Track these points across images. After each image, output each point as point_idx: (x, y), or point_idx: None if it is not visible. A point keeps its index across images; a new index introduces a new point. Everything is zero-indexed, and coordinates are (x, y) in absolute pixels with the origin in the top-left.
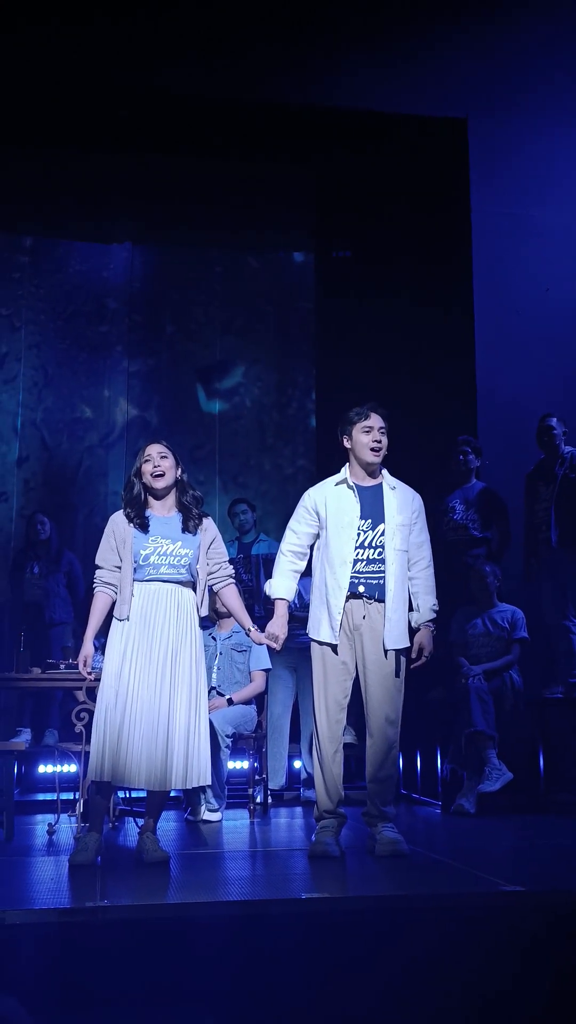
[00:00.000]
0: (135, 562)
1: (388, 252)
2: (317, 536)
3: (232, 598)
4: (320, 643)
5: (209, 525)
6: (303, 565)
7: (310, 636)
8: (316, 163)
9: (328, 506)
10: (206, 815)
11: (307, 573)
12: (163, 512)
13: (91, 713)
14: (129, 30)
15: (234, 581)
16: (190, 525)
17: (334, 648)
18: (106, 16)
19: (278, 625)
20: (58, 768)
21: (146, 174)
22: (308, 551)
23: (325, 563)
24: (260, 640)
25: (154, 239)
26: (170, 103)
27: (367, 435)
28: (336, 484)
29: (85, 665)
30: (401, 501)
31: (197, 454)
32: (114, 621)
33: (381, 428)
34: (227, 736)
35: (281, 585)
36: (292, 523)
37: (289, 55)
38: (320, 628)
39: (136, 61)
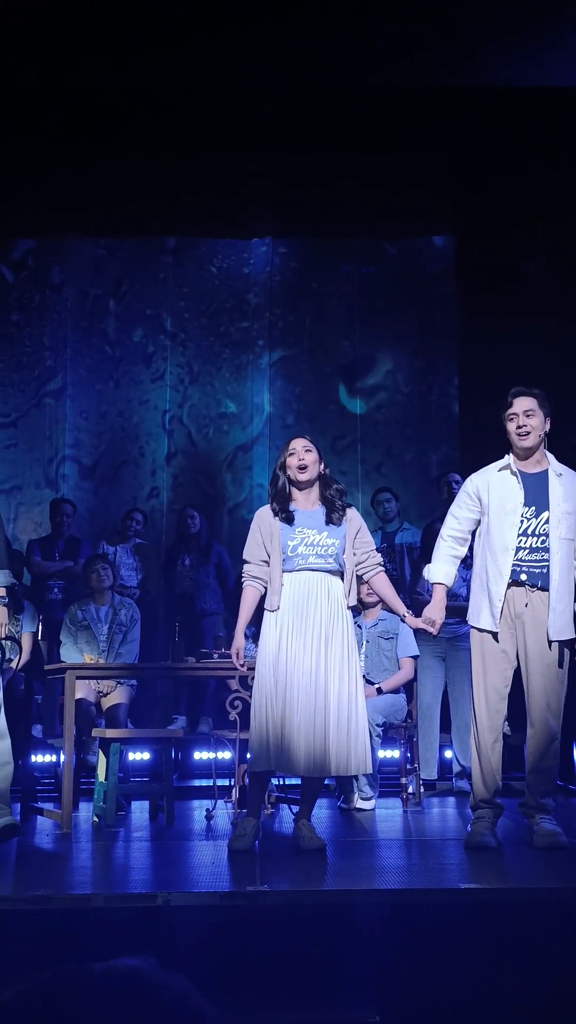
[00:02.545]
0: (283, 554)
1: (530, 232)
2: (478, 522)
3: (383, 585)
4: (480, 630)
5: (353, 515)
6: (463, 551)
7: (470, 623)
8: (453, 145)
9: (491, 492)
10: (359, 803)
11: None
12: (307, 506)
13: (244, 702)
14: (262, 26)
15: (383, 569)
16: (334, 517)
17: (495, 636)
18: (238, 14)
19: (436, 610)
20: (214, 755)
21: (282, 168)
22: (469, 537)
23: (487, 550)
24: (415, 625)
25: (293, 232)
26: (303, 96)
27: (512, 422)
28: (499, 470)
29: (238, 657)
30: (568, 488)
31: (339, 444)
32: (266, 612)
33: (527, 411)
34: (377, 725)
35: (440, 570)
36: (453, 508)
37: (422, 37)
38: (480, 615)
39: (272, 57)
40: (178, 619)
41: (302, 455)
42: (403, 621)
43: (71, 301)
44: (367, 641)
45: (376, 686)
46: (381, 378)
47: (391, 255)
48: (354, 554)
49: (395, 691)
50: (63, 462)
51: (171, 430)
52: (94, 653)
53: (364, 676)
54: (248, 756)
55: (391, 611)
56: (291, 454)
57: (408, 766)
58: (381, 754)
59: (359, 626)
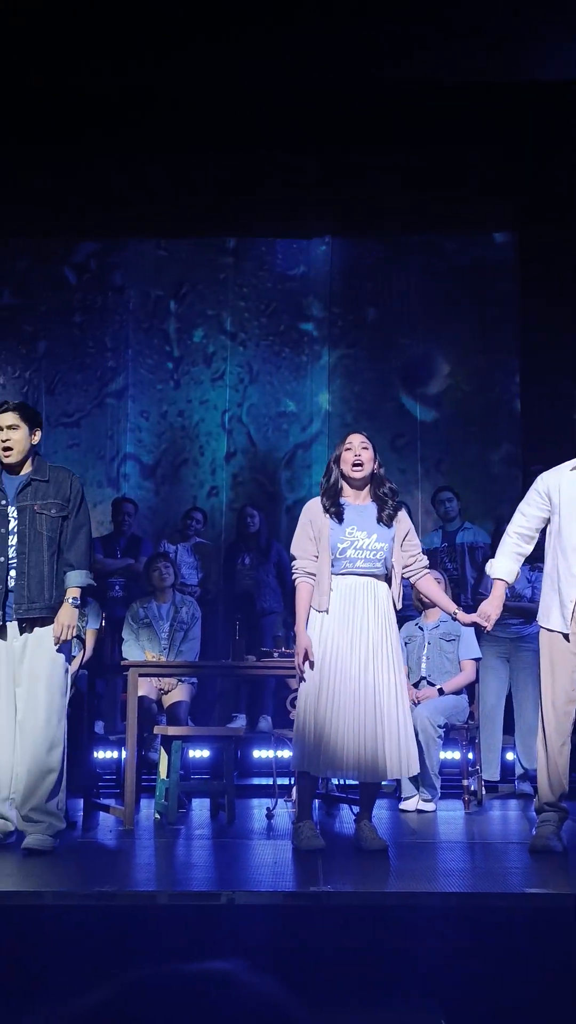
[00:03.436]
0: (332, 555)
1: None
2: (547, 521)
3: (431, 586)
4: (550, 631)
5: (403, 517)
6: (529, 549)
7: (539, 624)
8: (514, 140)
9: (562, 491)
10: (421, 805)
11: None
12: (358, 501)
13: None
14: (322, 22)
15: (430, 571)
16: (384, 516)
17: (565, 637)
18: (298, 8)
19: (492, 605)
20: (274, 753)
21: (341, 166)
22: (536, 535)
23: (557, 549)
24: (468, 620)
25: (352, 231)
26: (362, 93)
27: None
28: (572, 469)
29: (307, 656)
30: None
31: (398, 442)
32: (312, 611)
33: None
34: (439, 726)
35: (502, 566)
36: (522, 506)
37: (481, 32)
38: (550, 616)
39: (332, 53)
40: (238, 617)
41: (358, 451)
42: (454, 618)
43: (133, 302)
44: (428, 643)
45: (438, 687)
46: (441, 376)
47: (451, 252)
48: (402, 556)
49: (457, 692)
50: (124, 461)
51: (231, 429)
52: (155, 651)
53: (425, 677)
54: (295, 757)
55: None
56: (347, 449)
57: (470, 768)
58: (442, 756)
59: (420, 628)
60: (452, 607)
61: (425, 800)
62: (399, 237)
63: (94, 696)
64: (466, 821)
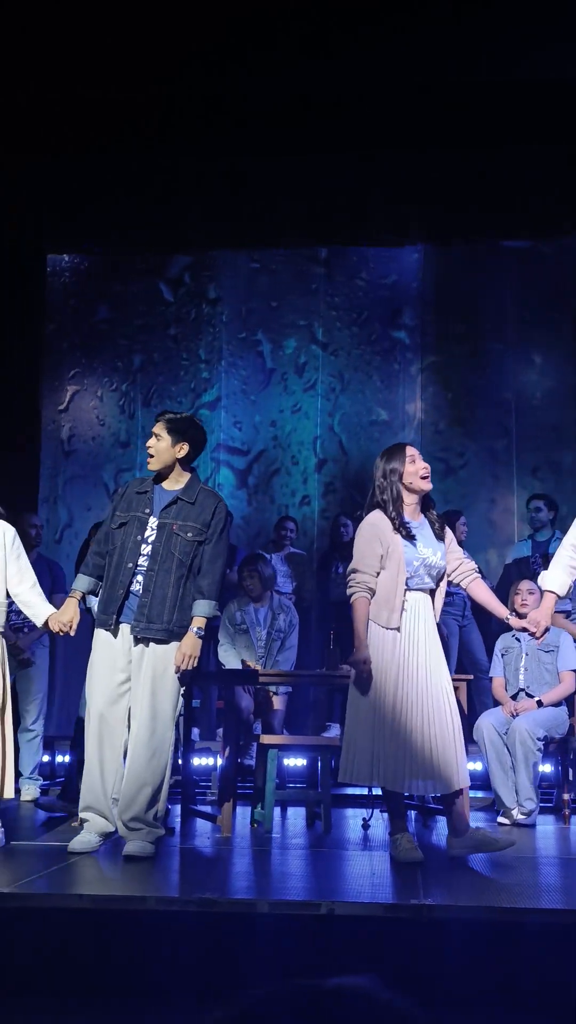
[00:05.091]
0: (406, 572)
1: None
2: None
3: (481, 590)
4: None
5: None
6: None
7: None
8: None
9: None
10: (519, 818)
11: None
12: (415, 517)
13: None
14: (416, 25)
15: (480, 575)
16: (436, 529)
17: None
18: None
19: (542, 613)
20: None
21: (432, 173)
22: None
23: None
24: (518, 626)
25: (444, 238)
26: (452, 98)
27: None
28: None
29: (367, 664)
30: None
31: (493, 448)
32: (380, 628)
33: None
34: (538, 739)
35: (555, 578)
36: None
37: (571, 31)
38: None
39: (424, 58)
40: (332, 627)
41: (422, 463)
42: (506, 622)
43: (226, 314)
44: (526, 654)
45: (536, 700)
46: (537, 382)
47: (546, 257)
48: (450, 562)
49: (556, 704)
50: (218, 471)
51: (322, 438)
52: (251, 658)
53: (524, 689)
54: (346, 769)
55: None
56: (412, 461)
57: (569, 781)
58: (541, 768)
59: (518, 639)
60: (504, 612)
61: (524, 813)
62: (492, 243)
63: (191, 702)
64: (563, 835)
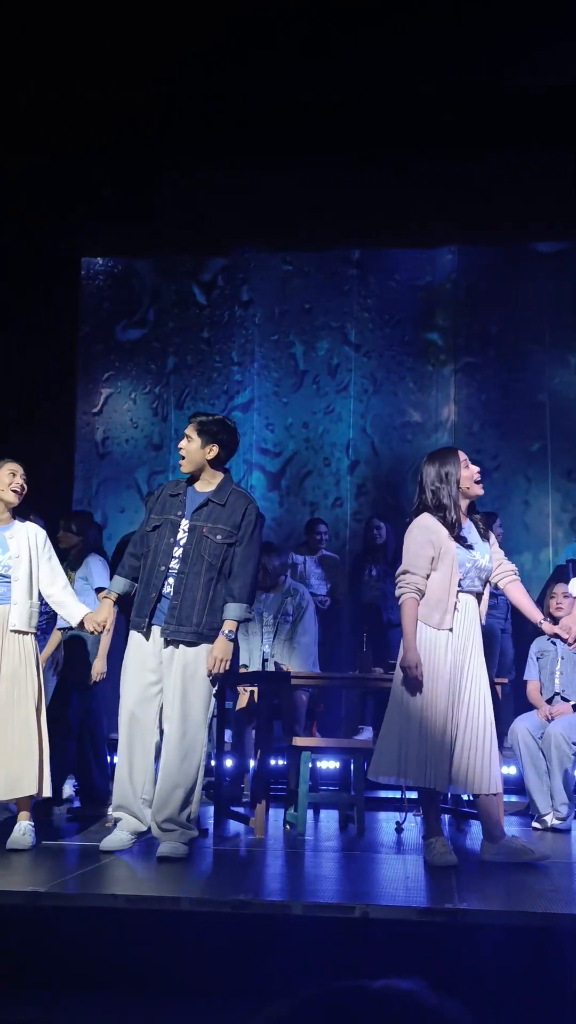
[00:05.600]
0: (459, 575)
1: None
2: None
3: (518, 592)
4: None
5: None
6: None
7: None
8: None
9: None
10: (554, 822)
11: None
12: (464, 521)
13: None
14: (436, 26)
15: (518, 577)
16: (480, 530)
17: None
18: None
19: (574, 618)
20: None
21: (465, 174)
22: None
23: None
24: (551, 631)
25: (477, 239)
26: (482, 99)
27: None
28: None
29: (418, 668)
30: None
31: (528, 450)
32: (428, 628)
33: None
34: (573, 743)
35: None
36: None
37: None
38: None
39: (451, 59)
40: (365, 629)
41: (474, 467)
42: (539, 626)
43: (259, 316)
44: (562, 658)
45: (572, 703)
46: (572, 383)
47: None
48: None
49: None
50: (250, 473)
51: (355, 440)
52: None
53: (559, 693)
54: (384, 766)
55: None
56: (466, 466)
57: None
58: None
59: (553, 642)
60: (538, 616)
61: (559, 818)
62: (527, 244)
63: (223, 704)
64: None
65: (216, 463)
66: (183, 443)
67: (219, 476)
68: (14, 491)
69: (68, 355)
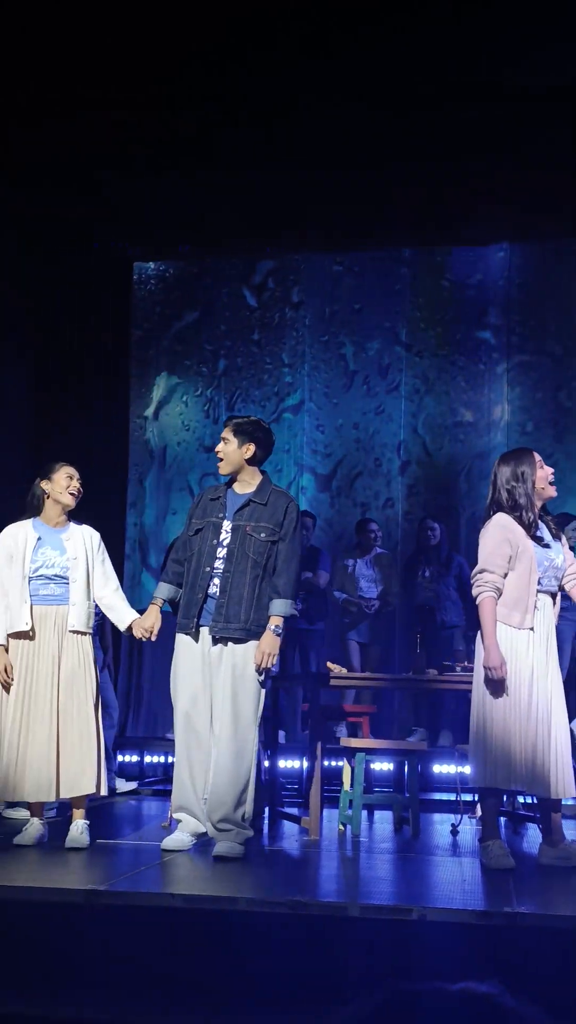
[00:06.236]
0: (538, 574)
1: None
2: None
3: None
4: None
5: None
6: None
7: None
8: None
9: None
10: None
11: None
12: (538, 522)
13: None
14: (479, 27)
15: None
16: (552, 531)
17: None
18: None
19: None
20: (455, 768)
21: (516, 171)
22: None
23: None
24: None
25: (530, 237)
26: (533, 96)
27: None
28: None
29: (502, 669)
30: None
31: None
32: (508, 628)
33: None
34: None
35: None
36: None
37: None
38: None
39: (494, 57)
40: (419, 631)
41: (549, 469)
42: None
43: (309, 318)
44: None
45: None
46: None
47: None
48: None
49: None
50: (301, 474)
51: (406, 440)
52: None
53: None
54: (483, 772)
55: None
56: (542, 467)
57: None
58: None
59: None
60: None
61: None
62: None
63: (277, 706)
64: None
65: (253, 462)
66: (220, 446)
67: (258, 476)
68: (71, 494)
69: (121, 360)
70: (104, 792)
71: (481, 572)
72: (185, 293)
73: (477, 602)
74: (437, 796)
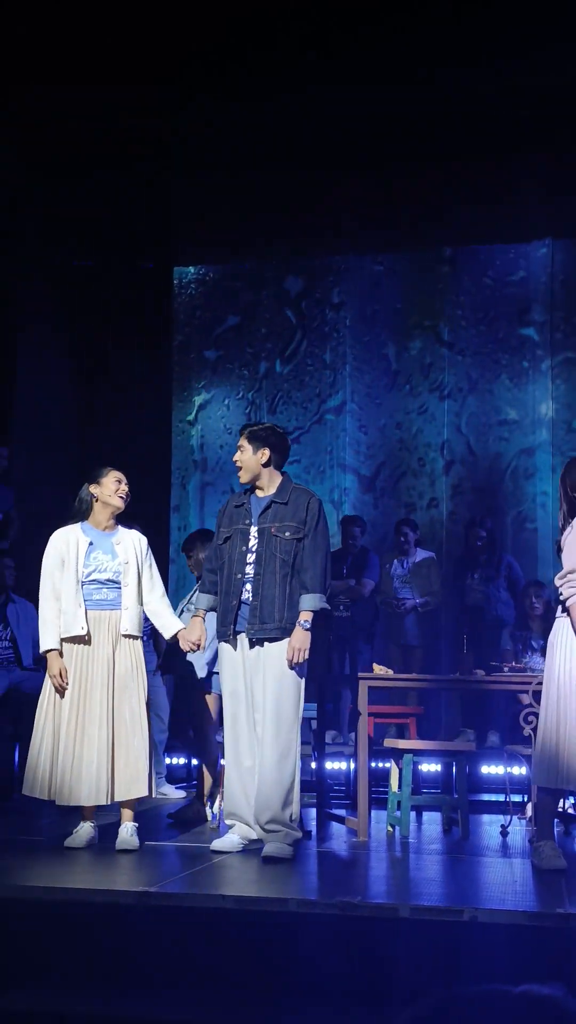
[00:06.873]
0: None
1: None
2: None
3: None
4: None
5: None
6: None
7: None
8: None
9: None
10: None
11: None
12: None
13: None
14: (518, 28)
15: None
16: None
17: None
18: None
19: None
20: (504, 769)
21: (556, 166)
22: None
23: None
24: None
25: (573, 232)
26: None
27: None
28: None
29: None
30: None
31: None
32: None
33: None
34: None
35: None
36: None
37: None
38: None
39: (542, 55)
40: (466, 631)
41: None
42: None
43: (350, 319)
44: None
45: None
46: None
47: None
48: None
49: None
50: (344, 475)
51: (449, 440)
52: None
53: None
54: (544, 772)
55: None
56: None
57: None
58: None
59: None
60: None
61: None
62: None
63: (324, 707)
64: None
65: (270, 465)
66: (237, 455)
67: (278, 478)
68: (121, 497)
69: (163, 364)
70: (155, 795)
71: (571, 573)
72: (225, 297)
73: (567, 604)
74: (486, 797)
